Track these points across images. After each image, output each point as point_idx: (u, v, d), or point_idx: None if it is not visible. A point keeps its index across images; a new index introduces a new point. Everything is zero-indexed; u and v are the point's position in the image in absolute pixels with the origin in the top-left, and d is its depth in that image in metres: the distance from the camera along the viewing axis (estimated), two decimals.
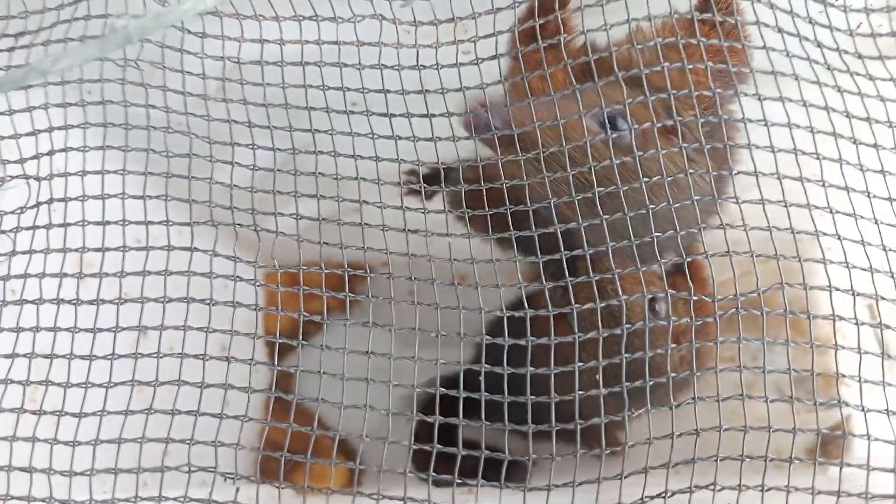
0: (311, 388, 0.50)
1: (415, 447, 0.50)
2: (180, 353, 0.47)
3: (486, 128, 0.49)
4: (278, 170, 0.52)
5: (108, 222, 0.49)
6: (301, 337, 0.50)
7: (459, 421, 0.47)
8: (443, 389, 0.50)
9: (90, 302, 0.48)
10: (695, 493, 0.43)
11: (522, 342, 0.48)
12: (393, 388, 0.48)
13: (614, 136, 0.50)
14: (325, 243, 0.50)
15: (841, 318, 0.45)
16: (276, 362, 0.50)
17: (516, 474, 0.49)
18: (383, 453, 0.46)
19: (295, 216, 0.51)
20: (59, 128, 0.51)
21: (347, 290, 0.50)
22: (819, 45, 0.49)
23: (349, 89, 0.53)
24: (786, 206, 0.45)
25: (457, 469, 0.45)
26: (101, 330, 0.47)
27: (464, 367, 0.48)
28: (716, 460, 0.44)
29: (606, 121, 0.51)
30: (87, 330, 0.47)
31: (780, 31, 0.48)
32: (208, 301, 0.48)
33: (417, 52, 0.53)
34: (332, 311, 0.56)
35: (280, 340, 0.50)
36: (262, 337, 0.51)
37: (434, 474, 0.46)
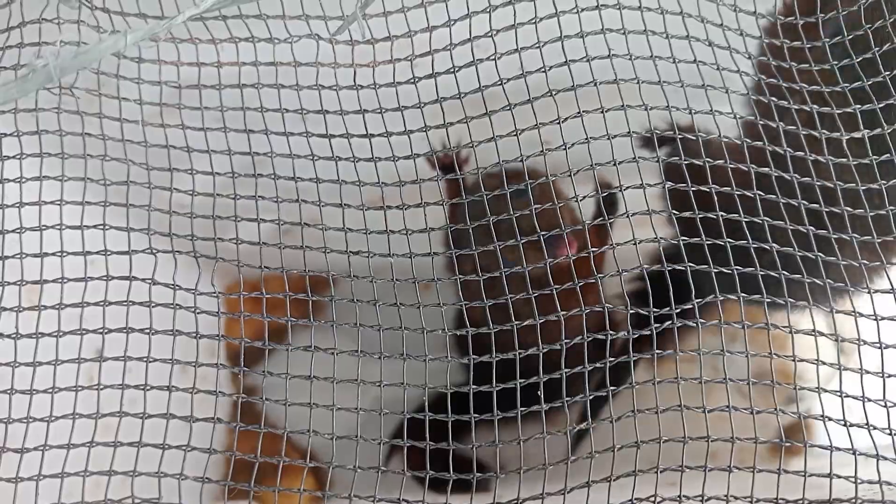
0: (276, 405, 0.50)
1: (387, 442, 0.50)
2: (143, 385, 0.47)
3: None
4: (218, 194, 0.52)
5: (46, 254, 0.49)
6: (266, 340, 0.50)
7: (426, 415, 0.48)
8: (409, 384, 0.50)
9: (29, 336, 0.47)
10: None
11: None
12: (362, 391, 0.48)
13: None
14: (266, 267, 0.50)
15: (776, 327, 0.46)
16: (241, 364, 0.50)
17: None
18: (356, 450, 0.47)
19: (235, 241, 0.51)
20: None
21: (309, 293, 0.50)
22: (750, 56, 0.50)
23: (287, 111, 0.53)
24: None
25: (428, 459, 0.46)
26: (41, 364, 0.47)
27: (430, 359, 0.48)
28: (656, 472, 0.44)
29: None
30: (26, 364, 0.47)
31: (710, 44, 0.49)
32: (173, 306, 0.48)
33: (354, 72, 0.53)
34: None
35: (246, 343, 0.50)
36: (225, 338, 0.51)
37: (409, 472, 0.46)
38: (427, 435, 0.47)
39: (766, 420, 0.47)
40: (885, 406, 0.46)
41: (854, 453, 0.45)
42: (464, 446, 0.48)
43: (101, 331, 0.48)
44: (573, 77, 0.49)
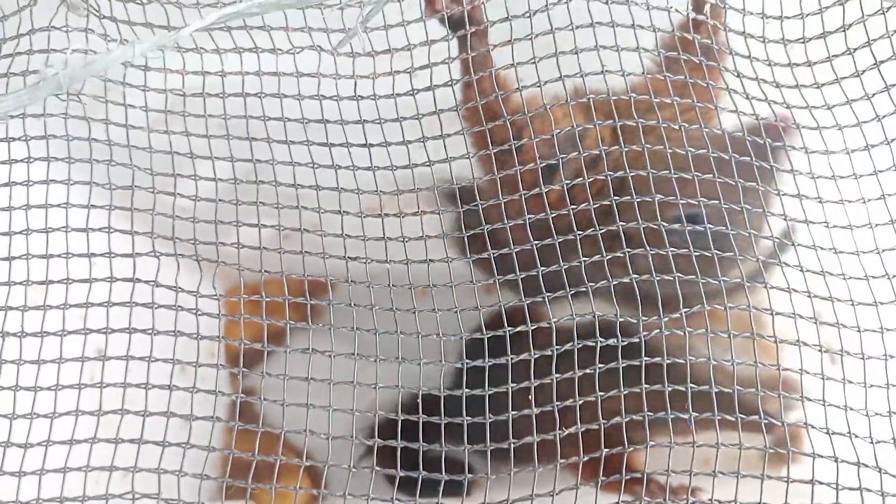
0: (273, 408, 0.51)
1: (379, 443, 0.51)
2: (145, 384, 0.49)
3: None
4: (220, 200, 0.53)
5: (52, 255, 0.50)
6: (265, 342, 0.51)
7: (419, 417, 0.49)
8: (406, 387, 0.51)
9: (34, 334, 0.49)
10: None
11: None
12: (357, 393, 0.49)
13: None
14: (266, 271, 0.52)
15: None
16: (241, 365, 0.52)
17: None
18: (351, 450, 0.48)
19: (236, 245, 0.52)
20: (2, 162, 0.52)
21: (308, 297, 0.51)
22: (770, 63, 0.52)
23: (289, 120, 0.54)
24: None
25: (421, 462, 0.47)
26: (45, 362, 0.48)
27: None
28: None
29: None
30: (31, 362, 0.48)
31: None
32: (175, 307, 0.49)
33: (355, 83, 0.54)
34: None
35: (245, 345, 0.51)
36: (225, 340, 0.52)
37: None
38: (420, 436, 0.48)
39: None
40: (867, 415, 0.48)
41: (836, 461, 0.47)
42: (456, 448, 0.49)
43: (105, 331, 0.49)
44: (567, 91, 0.50)
